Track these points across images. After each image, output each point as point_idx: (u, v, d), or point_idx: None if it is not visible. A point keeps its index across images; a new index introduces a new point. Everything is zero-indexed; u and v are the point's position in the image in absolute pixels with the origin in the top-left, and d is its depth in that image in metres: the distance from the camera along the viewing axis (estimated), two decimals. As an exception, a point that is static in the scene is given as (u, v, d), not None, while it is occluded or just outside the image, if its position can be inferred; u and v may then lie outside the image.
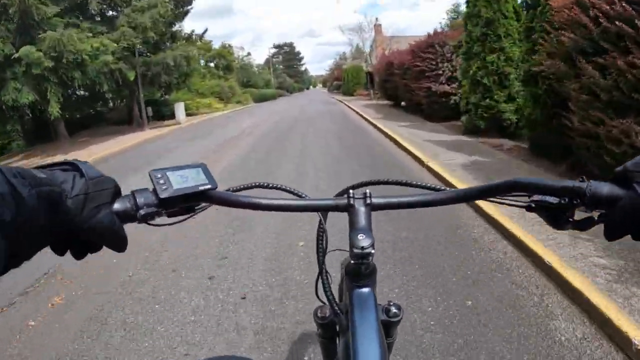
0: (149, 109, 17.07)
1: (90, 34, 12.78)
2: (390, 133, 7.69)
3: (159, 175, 0.48)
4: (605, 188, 0.43)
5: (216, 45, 31.49)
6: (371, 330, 0.52)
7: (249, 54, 35.50)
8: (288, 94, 63.09)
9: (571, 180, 0.46)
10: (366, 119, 11.21)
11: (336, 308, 0.63)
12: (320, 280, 0.65)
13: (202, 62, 31.26)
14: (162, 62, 14.45)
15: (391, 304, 0.65)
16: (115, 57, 13.42)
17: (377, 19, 25.67)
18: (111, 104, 19.51)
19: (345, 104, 18.40)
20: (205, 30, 20.78)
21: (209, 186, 0.51)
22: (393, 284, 2.33)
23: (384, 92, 14.95)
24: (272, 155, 7.11)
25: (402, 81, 10.85)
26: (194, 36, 20.39)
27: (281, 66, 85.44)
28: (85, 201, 0.42)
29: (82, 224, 0.41)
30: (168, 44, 16.37)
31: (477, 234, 2.94)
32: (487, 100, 6.10)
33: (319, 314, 0.68)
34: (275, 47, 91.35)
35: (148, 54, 15.00)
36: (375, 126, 9.56)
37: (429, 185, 0.62)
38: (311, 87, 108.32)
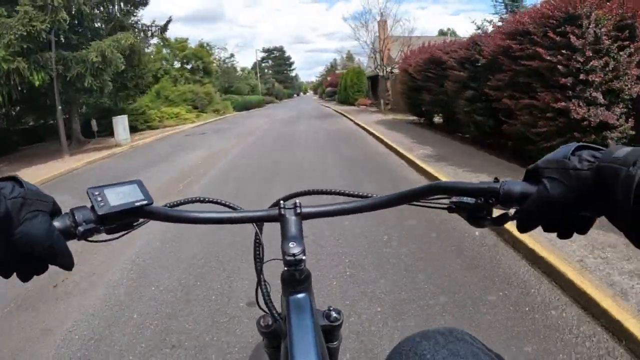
0: (94, 123, 12.48)
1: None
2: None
3: (97, 193, 0.49)
4: (517, 187, 0.46)
5: (194, 44, 26.91)
6: (308, 334, 0.53)
7: (232, 55, 30.99)
8: (277, 100, 58.82)
9: (487, 182, 0.49)
10: (412, 162, 5.94)
11: (275, 315, 0.63)
12: (259, 290, 0.66)
13: (177, 63, 26.62)
14: (85, 59, 9.79)
15: (331, 308, 0.66)
16: (10, 52, 8.83)
17: (382, 12, 20.62)
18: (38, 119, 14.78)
19: (350, 119, 13.99)
20: (169, 21, 15.96)
21: (145, 202, 0.52)
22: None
23: (409, 103, 10.51)
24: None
25: (455, 89, 6.53)
26: (152, 28, 15.76)
27: (270, 71, 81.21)
28: (22, 205, 0.42)
29: (18, 228, 0.41)
30: (103, 33, 11.72)
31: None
32: None
33: (262, 323, 0.68)
34: (265, 51, 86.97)
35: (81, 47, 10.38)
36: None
37: (356, 192, 0.64)
38: (301, 93, 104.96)
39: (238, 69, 38.85)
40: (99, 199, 0.49)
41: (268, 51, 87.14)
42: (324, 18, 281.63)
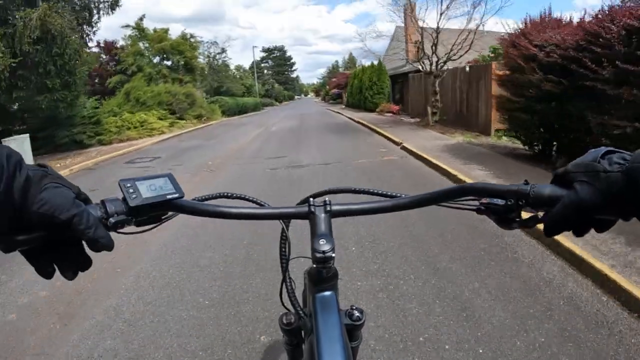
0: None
1: None
2: None
3: (129, 185, 0.49)
4: (547, 190, 0.47)
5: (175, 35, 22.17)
6: (334, 331, 0.53)
7: (223, 50, 26.36)
8: (277, 103, 54.25)
9: (517, 184, 0.49)
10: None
11: (301, 312, 0.65)
12: (284, 287, 0.67)
13: (159, 59, 21.92)
14: None
15: (354, 308, 0.66)
16: None
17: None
18: None
19: (390, 139, 8.76)
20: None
21: (176, 195, 0.52)
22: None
23: (520, 119, 5.67)
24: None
25: None
26: (100, 5, 11.07)
27: (270, 72, 76.56)
28: (44, 177, 0.41)
29: (40, 194, 0.39)
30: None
31: None
32: None
33: (284, 321, 0.69)
34: (265, 50, 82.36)
35: None
36: None
37: (385, 192, 0.64)
38: (302, 95, 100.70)
39: (232, 66, 34.27)
40: (131, 190, 0.48)
41: (268, 51, 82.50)
42: (325, 20, 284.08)
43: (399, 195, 0.61)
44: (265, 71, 69.45)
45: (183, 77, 20.58)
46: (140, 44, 21.70)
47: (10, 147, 0.39)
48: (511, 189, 0.49)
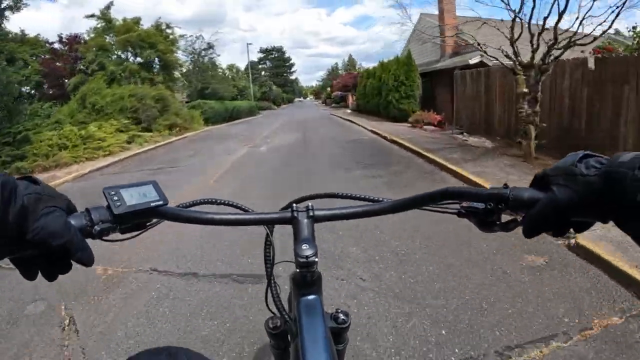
0: None
1: None
2: None
3: (113, 192, 0.50)
4: (525, 193, 0.47)
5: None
6: (319, 335, 0.54)
7: (210, 46, 22.18)
8: (275, 107, 50.19)
9: (497, 187, 0.49)
10: None
11: (286, 316, 0.65)
12: (269, 291, 0.67)
13: (126, 54, 17.87)
14: None
15: (339, 311, 0.67)
16: None
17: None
18: None
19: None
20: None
21: (160, 202, 0.52)
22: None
23: None
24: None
25: None
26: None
27: (268, 73, 72.51)
28: (38, 200, 0.42)
29: (35, 223, 0.41)
30: None
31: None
32: None
33: (270, 325, 0.68)
34: (262, 51, 78.20)
35: None
36: None
37: (367, 196, 0.64)
38: (302, 97, 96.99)
39: (223, 66, 30.22)
40: (115, 198, 0.49)
41: (266, 51, 78.28)
42: (325, 23, 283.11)
43: (381, 199, 0.62)
44: (263, 73, 65.33)
45: (155, 76, 16.52)
46: (107, 38, 17.68)
47: (5, 174, 0.40)
48: (491, 192, 0.49)
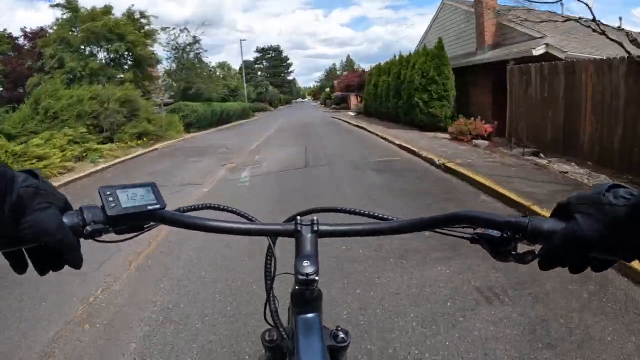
0: None
1: None
2: None
3: (108, 193, 0.48)
4: (546, 224, 0.45)
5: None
6: (315, 356, 0.53)
7: (195, 40, 19.32)
8: (272, 108, 47.49)
9: (515, 215, 0.48)
10: None
11: (283, 333, 0.62)
12: (268, 305, 0.65)
13: (98, 50, 15.13)
14: None
15: (339, 329, 0.65)
16: None
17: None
18: None
19: None
20: None
21: (157, 206, 0.51)
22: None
23: None
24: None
25: None
26: None
27: (265, 74, 69.75)
28: (35, 195, 0.41)
29: (28, 216, 0.40)
30: None
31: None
32: None
33: (267, 338, 0.66)
34: (259, 51, 75.54)
35: None
36: None
37: (377, 214, 0.62)
38: (300, 99, 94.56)
39: (213, 63, 27.48)
40: (110, 199, 0.48)
41: (263, 51, 75.54)
42: (322, 24, 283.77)
43: (391, 218, 0.60)
44: (260, 73, 62.57)
45: (126, 73, 13.82)
46: (74, 31, 14.98)
47: (5, 165, 0.40)
48: (509, 220, 0.47)
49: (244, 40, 37.26)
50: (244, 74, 28.90)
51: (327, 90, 50.64)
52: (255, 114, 30.49)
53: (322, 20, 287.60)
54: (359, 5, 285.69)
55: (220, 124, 19.82)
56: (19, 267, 0.44)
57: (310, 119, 21.83)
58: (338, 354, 0.63)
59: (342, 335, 0.64)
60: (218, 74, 27.26)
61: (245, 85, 30.31)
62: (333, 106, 39.18)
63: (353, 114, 22.11)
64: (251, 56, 77.21)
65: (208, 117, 17.98)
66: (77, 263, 0.45)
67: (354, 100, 34.79)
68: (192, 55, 19.40)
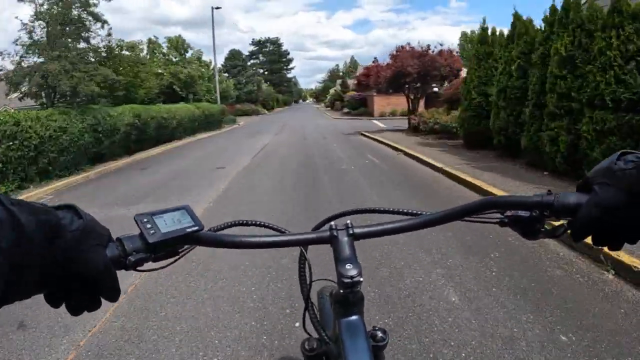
0: None
1: None
2: None
3: (145, 220, 0.48)
4: (571, 197, 0.47)
5: None
6: (364, 357, 0.53)
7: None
8: (266, 111, 37.51)
9: (540, 194, 0.49)
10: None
11: (326, 339, 0.64)
12: (307, 313, 0.66)
13: None
14: None
15: (376, 329, 0.65)
16: None
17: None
18: None
19: None
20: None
21: (195, 228, 0.50)
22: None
23: None
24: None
25: None
26: None
27: (261, 70, 59.69)
28: (82, 237, 0.41)
29: (79, 260, 0.40)
30: None
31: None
32: None
33: (306, 347, 0.66)
34: (255, 43, 65.24)
35: None
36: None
37: (406, 210, 0.63)
38: (300, 100, 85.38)
39: (163, 47, 17.41)
40: (149, 226, 0.47)
41: (259, 43, 65.14)
42: (324, 26, 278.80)
43: (420, 213, 0.60)
44: (254, 69, 52.33)
45: None
46: None
47: (47, 207, 0.39)
48: (535, 199, 0.49)
49: (219, 8, 21.49)
50: (215, 64, 18.50)
51: (336, 89, 40.56)
52: (236, 122, 20.53)
53: (324, 22, 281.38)
54: (361, 8, 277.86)
55: (145, 145, 9.81)
56: (55, 301, 0.42)
57: (318, 135, 11.94)
58: (377, 353, 0.63)
59: (380, 334, 0.64)
60: (158, 58, 16.97)
61: (217, 78, 19.93)
62: (345, 110, 29.19)
63: (405, 132, 12.14)
64: (246, 47, 66.91)
65: (111, 137, 7.89)
66: (114, 296, 0.44)
67: (379, 103, 24.97)
68: (115, 42, 9.39)
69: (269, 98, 41.66)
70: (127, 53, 11.50)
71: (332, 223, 0.58)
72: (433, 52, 11.35)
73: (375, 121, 20.47)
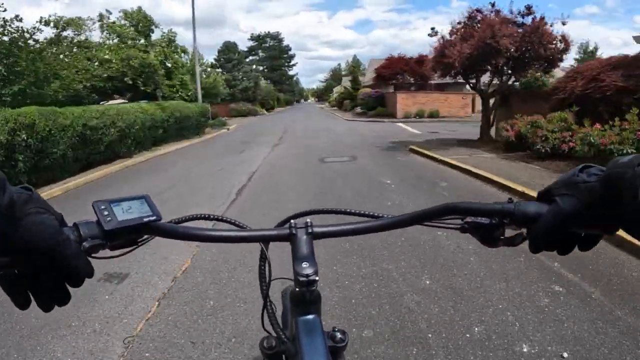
0: None
1: None
2: None
3: (103, 207, 0.47)
4: (531, 207, 0.47)
5: None
6: (320, 356, 0.52)
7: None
8: (265, 111, 33.02)
9: (501, 202, 0.49)
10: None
11: (283, 337, 0.63)
12: (265, 311, 0.65)
13: None
14: None
15: (336, 329, 0.64)
16: None
17: None
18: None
19: None
20: None
21: (153, 217, 0.49)
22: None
23: None
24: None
25: None
26: None
27: (261, 67, 55.07)
28: (28, 201, 0.39)
29: (23, 220, 0.37)
30: None
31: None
32: None
33: (265, 344, 0.65)
34: (254, 38, 60.51)
35: None
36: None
37: (368, 212, 0.62)
38: (302, 100, 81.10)
39: (121, 25, 12.90)
40: (105, 213, 0.46)
41: (258, 38, 60.43)
42: (326, 26, 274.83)
43: (382, 215, 0.60)
44: (254, 66, 47.62)
45: None
46: None
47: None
48: (496, 207, 0.49)
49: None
50: (196, 56, 13.94)
51: (345, 86, 35.98)
52: (226, 124, 16.10)
53: (326, 22, 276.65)
54: (363, 8, 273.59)
55: (44, 176, 5.41)
56: (20, 300, 0.41)
57: (340, 148, 7.46)
58: (337, 354, 0.62)
59: (339, 335, 0.63)
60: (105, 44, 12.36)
61: (197, 72, 15.29)
62: (358, 110, 24.63)
63: (484, 149, 7.72)
64: (245, 43, 62.01)
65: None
66: (87, 272, 0.42)
67: (403, 102, 20.32)
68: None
69: (268, 97, 37.12)
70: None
71: (293, 221, 0.57)
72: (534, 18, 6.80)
73: (401, 124, 15.93)
